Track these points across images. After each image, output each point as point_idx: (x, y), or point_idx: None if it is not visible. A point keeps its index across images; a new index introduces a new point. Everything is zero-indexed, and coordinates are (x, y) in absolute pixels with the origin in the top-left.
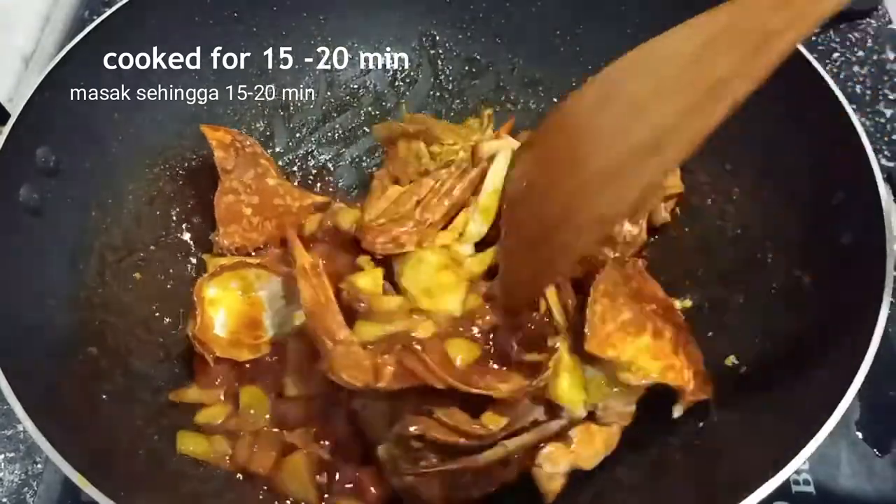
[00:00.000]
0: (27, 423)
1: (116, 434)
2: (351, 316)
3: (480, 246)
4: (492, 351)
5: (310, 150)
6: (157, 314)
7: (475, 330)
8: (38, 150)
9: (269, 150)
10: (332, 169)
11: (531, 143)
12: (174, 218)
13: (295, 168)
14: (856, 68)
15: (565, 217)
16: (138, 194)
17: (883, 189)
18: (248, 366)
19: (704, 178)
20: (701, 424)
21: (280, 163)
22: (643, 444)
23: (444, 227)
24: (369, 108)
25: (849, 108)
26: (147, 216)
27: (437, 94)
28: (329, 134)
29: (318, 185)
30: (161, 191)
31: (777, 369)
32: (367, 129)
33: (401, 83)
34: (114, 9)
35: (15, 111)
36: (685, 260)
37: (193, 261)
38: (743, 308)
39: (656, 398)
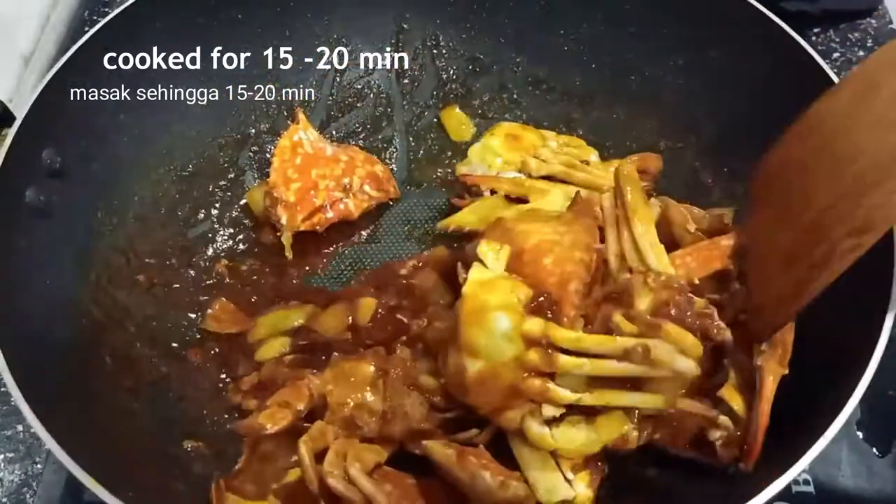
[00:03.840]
0: (35, 423)
1: (124, 435)
2: None
3: None
4: None
5: None
6: (162, 316)
7: None
8: (43, 152)
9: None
10: None
11: (776, 150)
12: (179, 219)
13: None
14: (856, 69)
15: (823, 227)
16: (143, 195)
17: None
18: None
19: (708, 177)
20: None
21: None
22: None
23: None
24: (373, 109)
25: None
26: (152, 218)
27: (441, 94)
28: (334, 133)
29: None
30: (166, 192)
31: None
32: (371, 129)
33: (405, 82)
34: (118, 10)
35: (19, 113)
36: None
37: (200, 263)
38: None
39: None
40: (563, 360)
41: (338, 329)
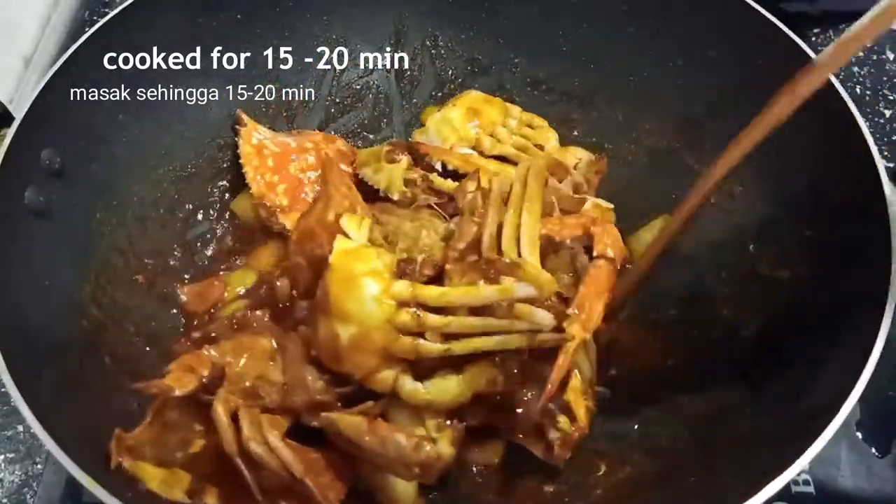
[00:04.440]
0: (34, 424)
1: None
2: None
3: None
4: None
5: None
6: (162, 317)
7: None
8: (42, 152)
9: None
10: None
11: None
12: (179, 219)
13: None
14: (855, 68)
15: None
16: (143, 196)
17: (888, 188)
18: None
19: None
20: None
21: None
22: (651, 445)
23: None
24: (372, 109)
25: (852, 106)
26: (152, 218)
27: (440, 94)
28: (333, 133)
29: None
30: (165, 192)
31: (781, 368)
32: (370, 129)
33: (405, 83)
34: (117, 10)
35: (18, 113)
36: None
37: (199, 263)
38: (747, 306)
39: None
40: (432, 318)
41: (269, 264)
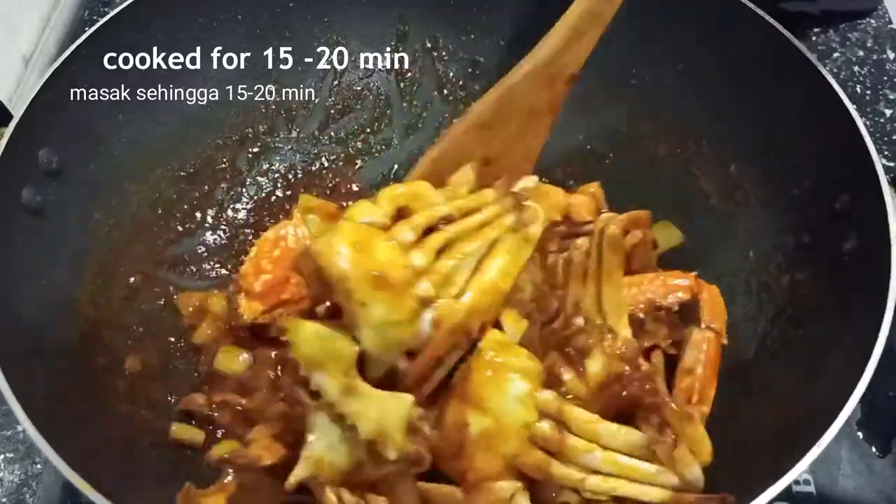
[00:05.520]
0: (27, 426)
1: (117, 438)
2: None
3: None
4: None
5: (313, 151)
6: (158, 318)
7: None
8: (40, 152)
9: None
10: (336, 171)
11: None
12: (177, 220)
13: (298, 170)
14: (856, 68)
15: None
16: (140, 197)
17: (887, 191)
18: None
19: (708, 182)
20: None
21: (283, 164)
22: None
23: None
24: (372, 110)
25: (852, 110)
26: (149, 219)
27: (441, 96)
28: (333, 135)
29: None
30: (163, 193)
31: (780, 372)
32: (370, 131)
33: (405, 84)
34: (117, 10)
35: (17, 112)
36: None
37: (194, 267)
38: (746, 311)
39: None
40: (575, 441)
41: None
